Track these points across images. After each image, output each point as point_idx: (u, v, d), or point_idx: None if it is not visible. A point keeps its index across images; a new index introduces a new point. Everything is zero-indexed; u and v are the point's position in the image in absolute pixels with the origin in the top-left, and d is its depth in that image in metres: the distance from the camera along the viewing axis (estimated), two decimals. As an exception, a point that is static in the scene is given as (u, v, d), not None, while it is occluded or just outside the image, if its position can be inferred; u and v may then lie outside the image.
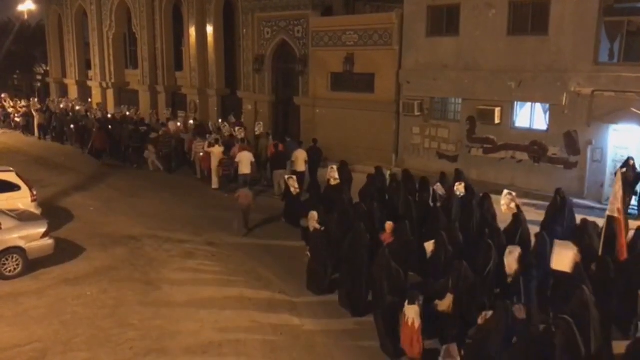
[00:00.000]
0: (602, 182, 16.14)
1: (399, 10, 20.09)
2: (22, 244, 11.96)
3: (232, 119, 24.29)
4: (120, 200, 18.09)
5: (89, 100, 35.90)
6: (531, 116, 17.68)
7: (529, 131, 17.57)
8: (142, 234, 14.67)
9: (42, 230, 12.38)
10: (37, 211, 14.23)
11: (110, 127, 25.16)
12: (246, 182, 17.59)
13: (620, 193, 9.86)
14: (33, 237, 12.17)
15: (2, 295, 11.14)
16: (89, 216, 16.28)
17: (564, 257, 8.10)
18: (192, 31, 28.77)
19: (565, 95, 16.36)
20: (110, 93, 35.38)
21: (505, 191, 12.14)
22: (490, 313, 7.36)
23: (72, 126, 27.48)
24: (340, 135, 21.89)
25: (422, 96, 19.64)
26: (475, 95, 18.25)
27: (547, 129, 17.15)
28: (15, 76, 52.20)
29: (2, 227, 11.91)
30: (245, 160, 17.67)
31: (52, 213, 15.22)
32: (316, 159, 18.59)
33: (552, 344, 6.36)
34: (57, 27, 39.65)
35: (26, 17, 43.19)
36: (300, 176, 16.60)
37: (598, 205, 15.80)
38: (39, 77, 51.29)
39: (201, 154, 19.70)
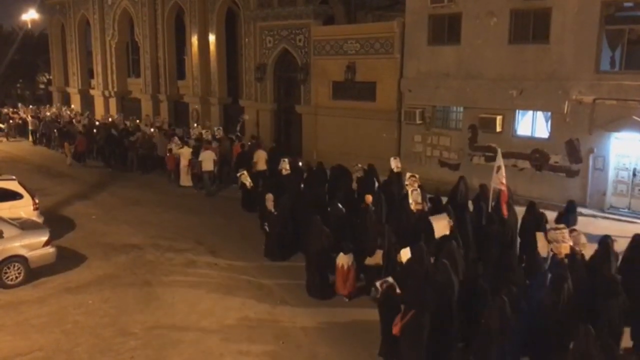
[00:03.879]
0: (604, 191, 16.12)
1: (400, 19, 20.16)
2: (24, 252, 11.97)
3: (208, 123, 27.03)
4: (122, 208, 18.11)
5: (72, 106, 37.33)
6: (533, 124, 17.69)
7: (531, 139, 17.57)
8: (143, 242, 14.68)
9: (44, 238, 12.39)
10: (39, 220, 14.24)
11: (94, 131, 27.08)
12: (210, 177, 19.70)
13: (502, 168, 12.94)
14: (35, 246, 12.18)
15: (3, 304, 11.13)
16: (91, 224, 16.29)
17: (441, 225, 10.65)
18: (195, 40, 28.92)
19: (566, 103, 16.37)
20: (112, 102, 35.52)
21: (408, 174, 14.32)
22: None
23: (55, 131, 28.88)
24: (342, 143, 21.92)
25: (423, 104, 19.67)
26: (477, 103, 18.28)
27: (549, 137, 17.15)
28: (18, 85, 52.48)
29: (4, 235, 11.92)
30: (208, 158, 19.54)
31: (54, 221, 15.23)
32: (276, 158, 19.33)
33: (436, 281, 8.92)
34: (60, 36, 39.92)
35: (29, 26, 43.57)
36: (262, 174, 18.56)
37: (600, 214, 15.78)
38: (42, 86, 51.59)
39: (167, 154, 21.44)
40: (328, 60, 22.39)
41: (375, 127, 21.09)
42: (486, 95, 17.98)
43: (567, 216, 12.31)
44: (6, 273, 11.78)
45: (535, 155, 17.31)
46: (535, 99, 17.08)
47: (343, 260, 10.99)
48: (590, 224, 13.70)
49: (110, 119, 30.32)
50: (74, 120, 30.54)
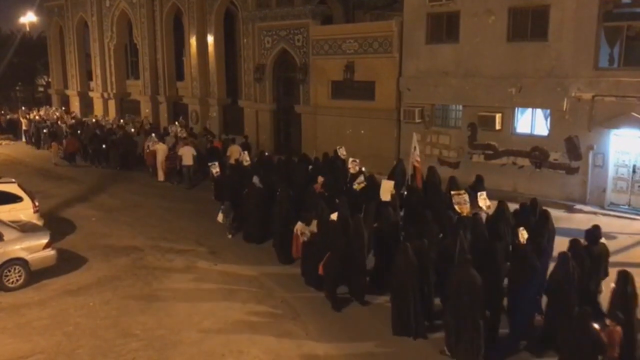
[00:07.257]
0: (604, 187, 16.12)
1: (399, 18, 20.18)
2: (24, 255, 11.97)
3: (183, 122, 28.04)
4: (122, 210, 18.10)
5: (62, 108, 38.12)
6: (532, 122, 17.70)
7: (530, 137, 17.59)
8: (144, 244, 14.67)
9: (45, 241, 12.38)
10: (40, 222, 14.25)
11: (79, 132, 27.96)
12: (188, 172, 20.71)
13: (417, 148, 15.88)
14: (35, 248, 12.18)
15: (4, 307, 11.14)
16: (91, 226, 16.28)
17: (387, 189, 13.07)
18: (193, 41, 28.92)
19: (565, 100, 16.39)
20: (111, 103, 35.52)
21: (351, 159, 16.61)
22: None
23: (44, 131, 29.66)
24: (342, 142, 21.71)
25: (422, 103, 19.68)
26: (476, 101, 18.28)
27: (548, 135, 17.16)
28: (17, 88, 52.45)
29: (5, 238, 11.92)
30: (187, 154, 20.64)
31: (55, 224, 15.25)
32: (247, 152, 20.01)
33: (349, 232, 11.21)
34: (58, 39, 39.90)
35: (28, 29, 43.62)
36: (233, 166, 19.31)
37: (601, 211, 15.78)
38: (41, 89, 51.59)
39: (147, 150, 22.55)
40: (327, 59, 22.40)
41: (375, 126, 21.10)
42: (485, 93, 17.99)
43: (475, 186, 14.07)
44: (7, 276, 11.78)
45: (534, 152, 17.32)
46: (534, 97, 17.09)
47: (299, 227, 12.60)
48: (591, 221, 13.63)
49: (94, 120, 31.20)
50: (59, 121, 31.29)
